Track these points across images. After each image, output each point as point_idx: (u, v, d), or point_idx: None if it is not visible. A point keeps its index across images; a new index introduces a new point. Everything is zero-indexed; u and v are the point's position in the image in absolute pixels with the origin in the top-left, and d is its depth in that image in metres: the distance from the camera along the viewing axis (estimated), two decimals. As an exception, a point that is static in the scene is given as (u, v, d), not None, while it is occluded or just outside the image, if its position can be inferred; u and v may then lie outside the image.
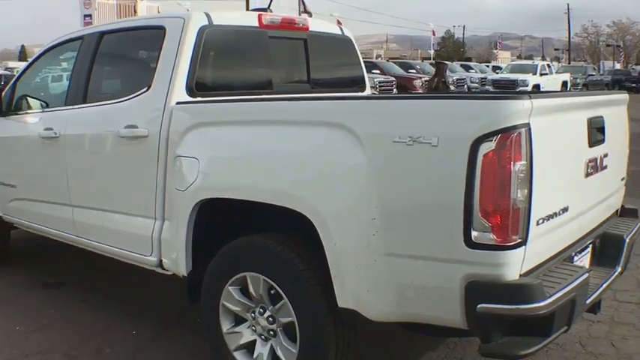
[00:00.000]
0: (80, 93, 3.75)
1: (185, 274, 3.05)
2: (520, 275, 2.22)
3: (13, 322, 3.79)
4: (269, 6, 3.78)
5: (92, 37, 3.82)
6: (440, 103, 2.47)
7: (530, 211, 2.21)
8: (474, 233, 2.16)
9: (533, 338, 2.28)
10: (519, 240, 2.18)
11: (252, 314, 2.81)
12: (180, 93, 3.12)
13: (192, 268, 3.03)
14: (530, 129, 2.17)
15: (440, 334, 2.60)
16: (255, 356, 2.81)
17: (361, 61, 4.32)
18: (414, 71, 27.44)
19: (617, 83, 32.85)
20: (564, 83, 28.84)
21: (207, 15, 3.28)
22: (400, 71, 25.68)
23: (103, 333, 3.62)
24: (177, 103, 3.09)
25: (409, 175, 2.28)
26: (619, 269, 2.96)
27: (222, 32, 3.35)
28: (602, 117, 2.85)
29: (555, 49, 76.73)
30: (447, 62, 21.01)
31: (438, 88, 13.12)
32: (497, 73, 31.80)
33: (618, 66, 49.77)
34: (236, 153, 2.84)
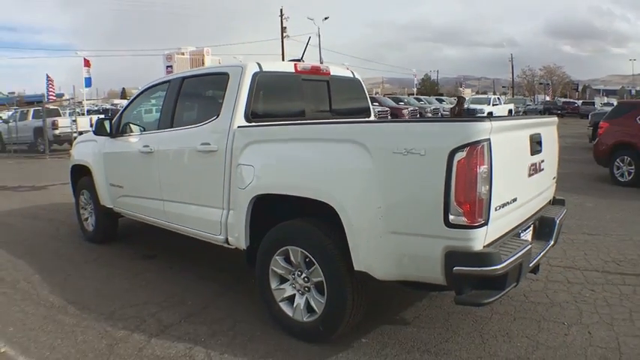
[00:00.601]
0: (168, 120, 3.81)
1: (244, 248, 3.10)
2: (484, 246, 2.26)
3: (121, 283, 3.85)
4: (302, 57, 3.80)
5: (176, 80, 3.89)
6: (426, 125, 2.51)
7: (491, 200, 2.26)
8: (450, 217, 2.21)
9: (492, 291, 2.32)
10: (483, 221, 2.23)
11: (293, 276, 2.86)
12: (240, 120, 3.17)
13: (249, 243, 3.09)
14: (490, 142, 2.22)
15: (426, 288, 2.62)
16: (294, 305, 2.85)
17: (367, 96, 4.29)
18: (402, 103, 27.60)
19: (547, 110, 32.22)
20: (510, 111, 28.40)
21: (259, 64, 3.32)
22: (393, 103, 25.94)
23: (185, 290, 3.65)
24: (238, 127, 3.15)
25: (405, 176, 2.33)
26: (552, 242, 2.99)
27: (269, 76, 3.36)
28: (539, 133, 2.88)
29: (503, 87, 75.61)
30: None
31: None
32: (461, 104, 31.62)
33: (548, 98, 48.90)
34: (281, 161, 2.86)
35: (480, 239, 2.24)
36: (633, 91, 58.70)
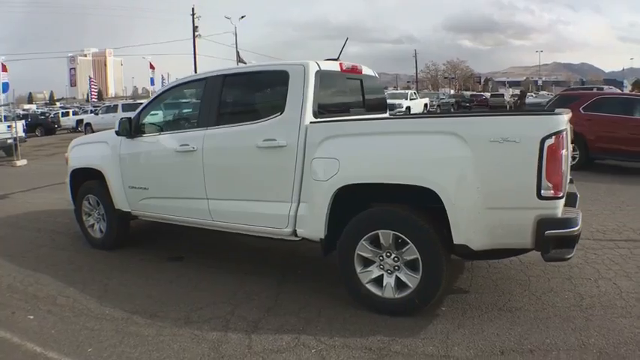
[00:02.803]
0: (212, 118, 3.70)
1: (322, 237, 3.19)
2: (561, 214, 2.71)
3: (169, 287, 3.68)
4: (338, 57, 3.91)
5: (215, 79, 3.78)
6: (519, 117, 2.89)
7: (567, 177, 2.76)
8: (542, 191, 2.60)
9: (568, 249, 2.74)
10: (563, 194, 2.67)
11: (380, 258, 3.04)
12: (310, 115, 3.25)
13: (327, 232, 3.19)
14: (567, 131, 2.69)
15: (507, 255, 3.04)
16: (384, 285, 3.03)
17: (384, 91, 4.60)
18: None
19: (457, 104, 33.68)
20: (425, 105, 28.23)
21: (317, 63, 3.41)
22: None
23: (242, 287, 3.59)
24: (311, 122, 3.22)
25: (501, 159, 2.67)
26: None
27: (326, 74, 3.45)
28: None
29: (408, 82, 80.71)
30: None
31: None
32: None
33: (452, 92, 53.01)
34: (375, 153, 2.97)
35: (560, 208, 2.68)
36: (540, 82, 66.11)
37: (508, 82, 75.55)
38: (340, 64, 3.75)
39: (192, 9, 36.21)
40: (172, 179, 3.99)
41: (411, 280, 2.98)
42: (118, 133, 4.20)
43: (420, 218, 2.92)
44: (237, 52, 35.58)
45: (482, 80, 69.10)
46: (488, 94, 37.01)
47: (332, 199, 3.13)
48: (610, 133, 8.19)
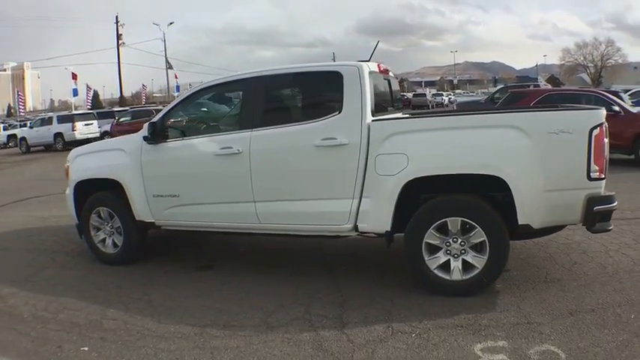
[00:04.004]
0: (257, 120, 3.64)
1: (388, 230, 3.32)
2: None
3: (220, 296, 3.52)
4: (370, 58, 4.01)
5: (256, 80, 3.76)
6: (571, 112, 3.31)
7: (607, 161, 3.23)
8: (591, 173, 3.01)
9: (609, 222, 3.20)
10: (605, 175, 3.11)
11: (447, 244, 3.23)
12: (369, 114, 3.37)
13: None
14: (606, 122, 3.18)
15: (553, 231, 3.43)
16: (451, 269, 3.23)
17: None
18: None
19: None
20: None
21: (367, 64, 3.55)
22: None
23: (298, 288, 3.54)
24: (373, 120, 3.36)
25: (558, 149, 3.03)
26: None
27: (374, 74, 3.61)
28: None
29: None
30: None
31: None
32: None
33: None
34: (445, 147, 3.18)
35: (603, 187, 3.10)
36: (455, 81, 71.23)
37: (424, 82, 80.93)
38: (378, 65, 3.95)
39: (117, 17, 35.45)
40: (210, 184, 3.81)
41: (478, 261, 3.20)
42: (146, 138, 3.96)
43: (486, 204, 3.26)
44: (167, 59, 35.19)
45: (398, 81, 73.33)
46: (410, 94, 39.28)
47: (399, 193, 3.29)
48: None
